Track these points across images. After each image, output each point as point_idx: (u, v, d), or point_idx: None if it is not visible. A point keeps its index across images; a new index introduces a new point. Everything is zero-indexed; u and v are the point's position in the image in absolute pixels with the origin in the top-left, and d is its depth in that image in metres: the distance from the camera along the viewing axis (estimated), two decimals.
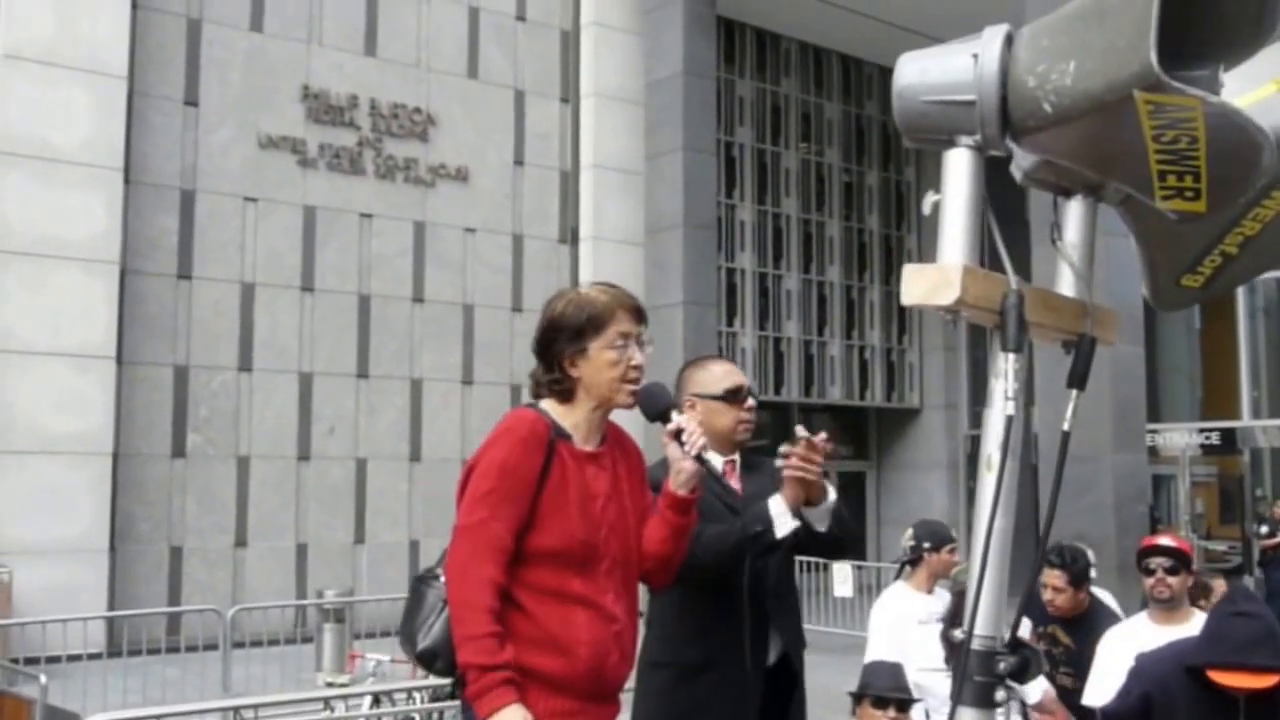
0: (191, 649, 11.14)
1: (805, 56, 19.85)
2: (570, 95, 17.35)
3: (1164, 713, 3.89)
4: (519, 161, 16.89)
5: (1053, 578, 5.39)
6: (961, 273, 1.85)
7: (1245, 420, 18.14)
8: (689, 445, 2.97)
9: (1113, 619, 5.47)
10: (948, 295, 1.85)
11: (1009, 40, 1.87)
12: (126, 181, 13.64)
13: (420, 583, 2.97)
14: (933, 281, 1.87)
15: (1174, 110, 1.61)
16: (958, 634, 1.95)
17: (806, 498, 3.50)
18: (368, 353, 15.42)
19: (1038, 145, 1.96)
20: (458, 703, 7.47)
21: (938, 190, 1.95)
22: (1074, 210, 2.13)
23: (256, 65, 14.83)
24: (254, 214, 14.72)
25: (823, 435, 3.47)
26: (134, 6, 13.83)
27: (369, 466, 15.35)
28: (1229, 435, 18.26)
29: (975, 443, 20.72)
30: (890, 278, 20.65)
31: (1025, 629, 5.92)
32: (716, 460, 3.68)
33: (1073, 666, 5.31)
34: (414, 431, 15.72)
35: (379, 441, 15.43)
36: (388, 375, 15.55)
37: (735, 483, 3.78)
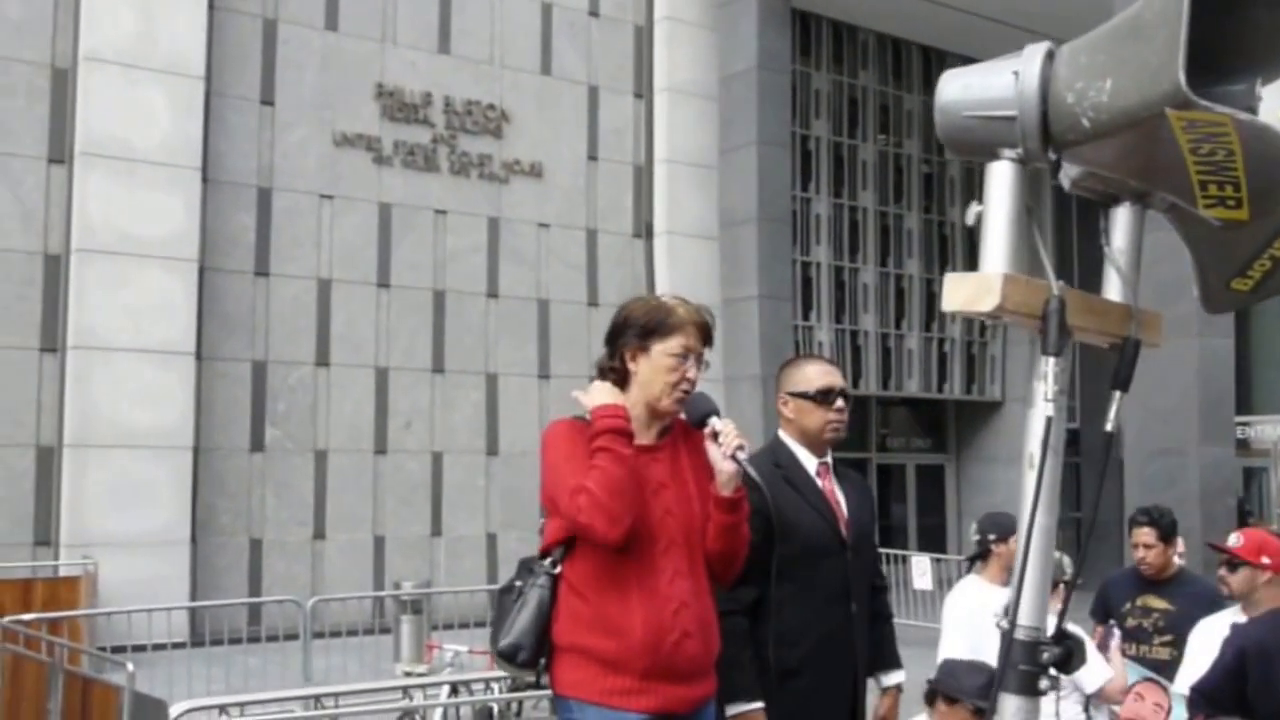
0: (271, 639, 11.28)
1: (884, 48, 19.64)
2: (644, 90, 17.34)
3: (1260, 670, 3.90)
4: (593, 157, 16.90)
5: (1142, 535, 5.42)
6: (1002, 280, 1.90)
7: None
8: (725, 446, 3.06)
9: (1204, 583, 5.47)
10: (988, 302, 1.90)
11: (1050, 57, 1.93)
12: (204, 180, 13.85)
13: (503, 594, 3.15)
14: (974, 289, 1.93)
15: (1206, 126, 1.65)
16: (1002, 624, 2.02)
17: None
18: (443, 348, 15.51)
19: (1079, 158, 2.00)
20: (537, 694, 7.47)
21: (980, 201, 2.01)
22: (1121, 216, 2.16)
23: (331, 64, 14.99)
24: (330, 211, 14.86)
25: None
26: (210, 8, 14.03)
27: (445, 460, 15.43)
28: None
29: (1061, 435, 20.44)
30: (973, 269, 20.34)
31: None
32: (810, 463, 3.78)
33: (1171, 633, 5.27)
34: (490, 426, 15.77)
35: (455, 435, 15.51)
36: (463, 370, 15.62)
37: (827, 485, 3.80)
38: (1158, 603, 5.42)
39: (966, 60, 19.94)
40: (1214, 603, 5.18)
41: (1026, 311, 1.95)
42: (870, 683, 3.94)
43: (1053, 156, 1.98)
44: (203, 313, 13.74)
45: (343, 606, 12.38)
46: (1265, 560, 4.58)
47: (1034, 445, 1.97)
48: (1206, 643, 4.61)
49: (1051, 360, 1.95)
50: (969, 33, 18.89)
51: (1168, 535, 5.41)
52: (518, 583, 3.07)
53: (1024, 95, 1.92)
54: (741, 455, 3.07)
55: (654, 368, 3.11)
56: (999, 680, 1.98)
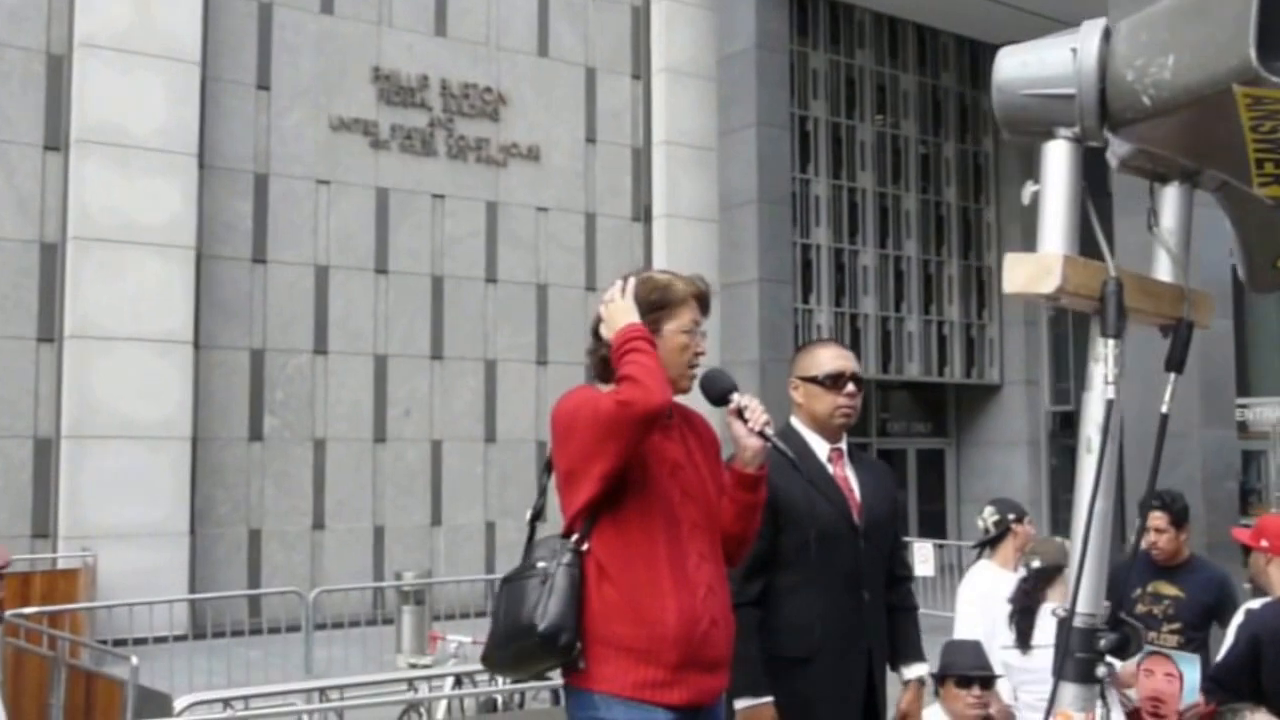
0: (272, 631, 11.18)
1: (880, 27, 19.45)
2: (642, 71, 17.19)
3: (1274, 655, 3.93)
4: (591, 139, 16.75)
5: (1154, 519, 5.37)
6: (1062, 261, 1.92)
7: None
8: (752, 422, 2.99)
9: (1215, 569, 5.47)
10: (1049, 284, 1.91)
11: (1106, 34, 1.94)
12: (201, 166, 13.69)
13: (513, 581, 2.95)
14: (1034, 270, 1.94)
15: (1272, 103, 1.67)
16: (1059, 611, 2.01)
17: None
18: (442, 334, 15.39)
19: (1135, 136, 2.01)
20: (540, 684, 7.42)
21: (1036, 180, 2.01)
22: (1170, 196, 2.19)
23: (327, 48, 14.82)
24: (327, 196, 14.73)
25: None
26: None
27: (444, 448, 15.33)
28: None
29: (1057, 419, 20.38)
30: (969, 252, 20.22)
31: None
32: (822, 449, 3.76)
33: (1179, 620, 5.26)
34: (489, 413, 15.67)
35: (454, 423, 15.41)
36: (462, 356, 15.51)
37: (840, 472, 3.78)
38: (1168, 589, 5.38)
39: (961, 40, 19.99)
40: (1224, 590, 5.26)
41: (1085, 293, 1.97)
42: (892, 675, 3.94)
43: (1107, 134, 2.00)
44: (200, 301, 13.60)
45: (343, 598, 12.31)
46: (1264, 543, 4.60)
47: (1091, 429, 1.99)
48: None
49: (1111, 342, 1.96)
50: (965, 12, 18.78)
51: (1180, 520, 5.36)
52: (540, 563, 2.87)
53: (1082, 73, 1.93)
54: (769, 430, 3.00)
55: (667, 348, 2.99)
56: (1058, 668, 1.97)
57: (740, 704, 3.46)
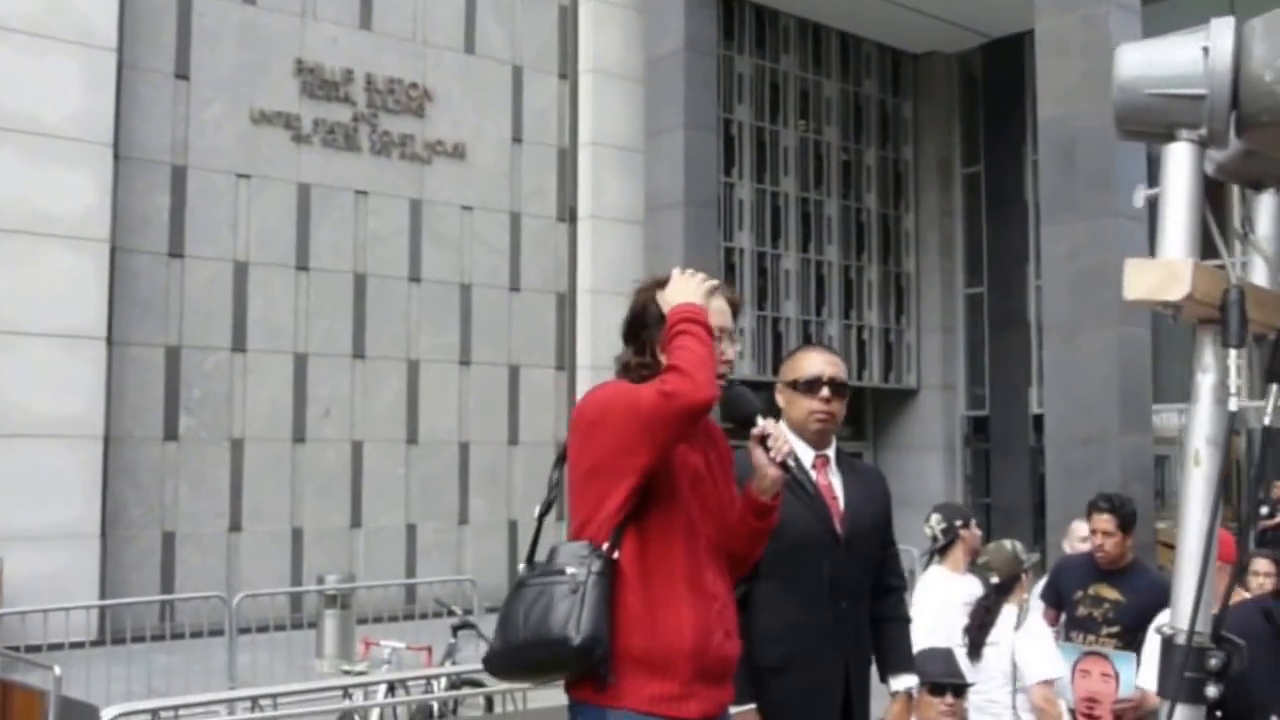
0: (194, 635, 10.83)
1: (804, 33, 19.54)
2: (569, 71, 17.04)
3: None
4: (517, 139, 16.57)
5: (1101, 522, 5.44)
6: (1192, 268, 1.88)
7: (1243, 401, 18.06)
8: (775, 451, 2.91)
9: (1156, 575, 5.55)
10: (1177, 290, 1.87)
11: (1238, 33, 1.89)
12: (116, 157, 13.26)
13: (534, 585, 2.78)
14: (1161, 277, 1.89)
15: None
16: (1166, 630, 1.99)
17: None
18: (364, 333, 15.10)
19: (1257, 139, 1.97)
20: (475, 691, 7.27)
21: (1149, 185, 2.01)
22: (1266, 204, 2.16)
23: (249, 38, 14.45)
24: (247, 191, 14.36)
25: None
26: None
27: (365, 449, 15.05)
28: None
29: (971, 424, 20.62)
30: (888, 258, 20.41)
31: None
32: (807, 455, 3.69)
33: (1119, 624, 5.33)
34: (410, 413, 15.42)
35: (375, 424, 15.13)
36: (384, 356, 15.24)
37: (824, 479, 3.73)
38: (1109, 593, 5.43)
39: (883, 48, 20.16)
40: (1166, 596, 5.24)
41: (1209, 301, 1.92)
42: (879, 686, 3.92)
43: (1233, 137, 1.95)
44: (114, 295, 13.16)
45: (263, 601, 11.97)
46: None
47: (1199, 442, 1.94)
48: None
49: (1233, 352, 1.91)
50: (886, 20, 18.95)
51: (1127, 525, 5.43)
52: (570, 569, 2.73)
53: (1215, 73, 1.86)
54: (792, 463, 2.94)
55: None
56: (1172, 691, 1.94)
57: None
